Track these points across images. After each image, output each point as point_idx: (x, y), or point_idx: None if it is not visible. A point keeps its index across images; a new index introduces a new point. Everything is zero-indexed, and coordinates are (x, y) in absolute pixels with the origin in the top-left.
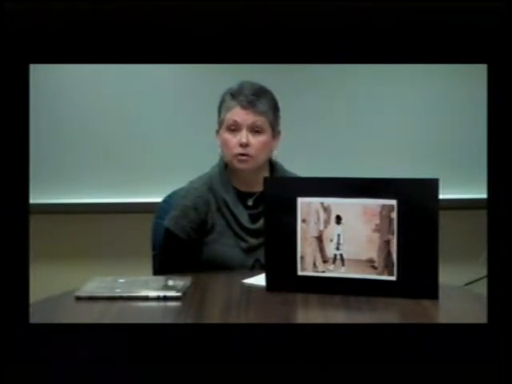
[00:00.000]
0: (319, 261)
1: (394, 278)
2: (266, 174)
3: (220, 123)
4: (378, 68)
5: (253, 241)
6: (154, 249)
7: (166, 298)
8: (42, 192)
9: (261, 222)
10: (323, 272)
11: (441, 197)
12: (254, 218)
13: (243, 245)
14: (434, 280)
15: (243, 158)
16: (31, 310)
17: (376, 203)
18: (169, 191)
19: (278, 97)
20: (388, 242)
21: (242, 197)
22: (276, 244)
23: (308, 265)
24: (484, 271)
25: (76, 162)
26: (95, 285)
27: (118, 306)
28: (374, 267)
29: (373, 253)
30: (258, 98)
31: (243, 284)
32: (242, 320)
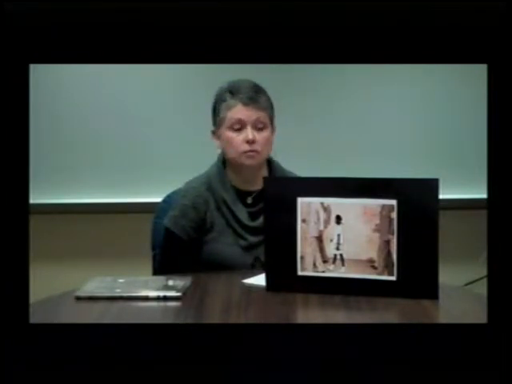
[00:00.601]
0: (319, 261)
1: (394, 278)
2: (265, 171)
3: (219, 122)
4: (377, 68)
5: (252, 239)
6: (153, 249)
7: (166, 298)
8: (42, 192)
9: (260, 220)
10: (323, 272)
11: (441, 197)
12: (253, 216)
13: (243, 243)
14: (434, 280)
15: (251, 153)
16: (31, 310)
17: (376, 203)
18: (169, 191)
19: (278, 97)
20: (388, 242)
21: (241, 195)
22: (276, 244)
23: (308, 265)
24: (484, 271)
25: (76, 162)
26: (95, 285)
27: (118, 306)
28: (374, 267)
29: (373, 253)
30: (258, 94)
31: (243, 284)
32: (242, 320)
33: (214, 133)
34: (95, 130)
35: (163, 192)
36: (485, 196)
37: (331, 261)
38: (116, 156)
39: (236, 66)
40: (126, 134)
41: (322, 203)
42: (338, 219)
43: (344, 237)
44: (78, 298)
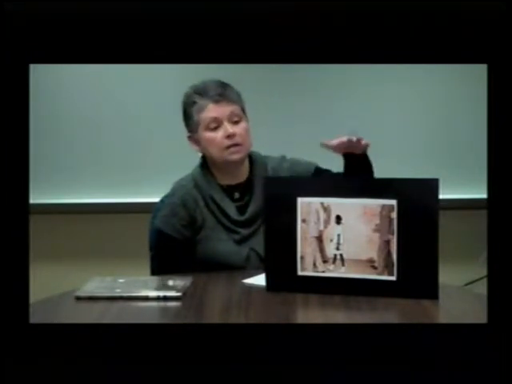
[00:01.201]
0: (319, 261)
1: (394, 278)
2: (247, 165)
3: (194, 126)
4: (378, 68)
5: (244, 231)
6: (151, 249)
7: (166, 298)
8: (42, 192)
9: (249, 213)
10: (323, 272)
11: (441, 197)
12: (241, 210)
13: (235, 237)
14: (434, 280)
15: (234, 148)
16: (31, 310)
17: (376, 203)
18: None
19: (278, 97)
20: (388, 242)
21: (227, 191)
22: (276, 244)
23: (308, 265)
24: (484, 271)
25: (76, 162)
26: (95, 285)
27: (118, 306)
28: (374, 267)
29: (373, 253)
30: (225, 89)
31: (243, 284)
32: (242, 320)
33: (190, 138)
34: (95, 130)
35: (163, 192)
36: (485, 196)
37: (331, 261)
38: (116, 156)
39: (236, 66)
40: (126, 134)
41: (322, 203)
42: (338, 219)
43: (344, 237)
44: (78, 298)
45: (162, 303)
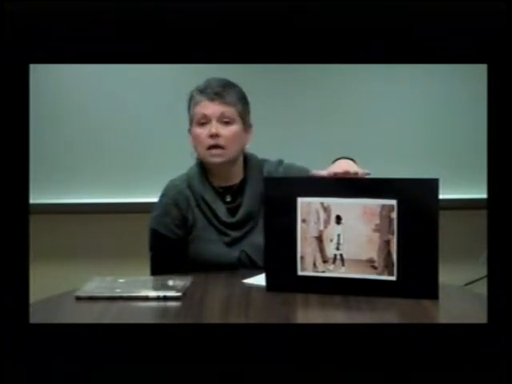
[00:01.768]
0: (319, 261)
1: (394, 278)
2: (241, 167)
3: (190, 120)
4: (378, 68)
5: (234, 234)
6: (150, 250)
7: (166, 298)
8: (42, 192)
9: (239, 215)
10: (323, 272)
11: (441, 197)
12: (232, 212)
13: (226, 239)
14: (434, 280)
15: (215, 151)
16: (31, 310)
17: (376, 203)
18: None
19: (278, 97)
20: (388, 242)
21: (219, 192)
22: (276, 244)
23: (308, 265)
24: (484, 271)
25: (76, 162)
26: (95, 285)
27: (118, 306)
28: (374, 267)
29: (373, 253)
30: (225, 89)
31: (243, 284)
32: (242, 320)
33: (189, 131)
34: (95, 129)
35: None
36: (485, 196)
37: (331, 261)
38: (116, 156)
39: (236, 66)
40: (126, 134)
41: (321, 203)
42: (338, 219)
43: (344, 237)
44: (78, 298)
45: (161, 303)
